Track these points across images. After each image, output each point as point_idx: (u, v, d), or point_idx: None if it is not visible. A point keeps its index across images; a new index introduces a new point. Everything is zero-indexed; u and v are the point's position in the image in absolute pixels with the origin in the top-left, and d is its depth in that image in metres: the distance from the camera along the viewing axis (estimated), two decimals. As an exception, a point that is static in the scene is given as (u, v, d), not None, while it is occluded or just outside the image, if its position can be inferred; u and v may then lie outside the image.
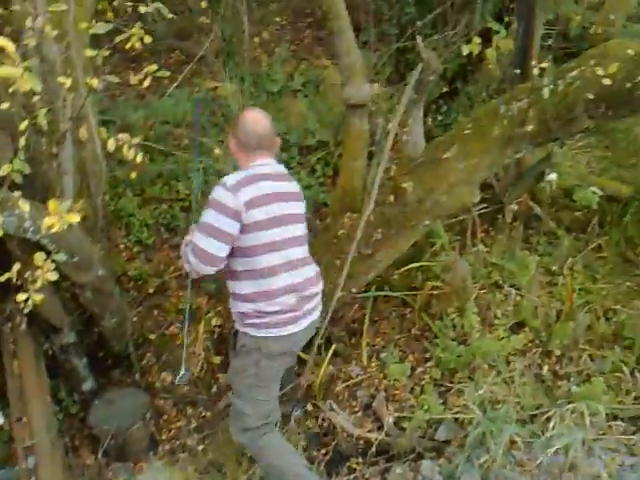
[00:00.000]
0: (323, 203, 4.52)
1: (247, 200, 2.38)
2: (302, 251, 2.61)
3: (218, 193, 2.39)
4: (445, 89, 4.79)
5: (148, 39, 2.29)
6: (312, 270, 2.65)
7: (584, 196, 3.73)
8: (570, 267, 3.70)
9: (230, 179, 2.41)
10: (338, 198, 3.65)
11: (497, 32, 3.66)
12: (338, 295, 3.08)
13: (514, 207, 3.91)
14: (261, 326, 2.50)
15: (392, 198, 3.16)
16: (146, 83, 2.30)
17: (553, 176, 3.67)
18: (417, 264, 3.73)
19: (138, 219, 4.22)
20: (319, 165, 4.79)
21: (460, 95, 4.74)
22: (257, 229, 2.42)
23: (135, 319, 3.56)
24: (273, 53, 5.78)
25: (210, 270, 2.41)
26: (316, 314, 2.67)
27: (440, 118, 4.77)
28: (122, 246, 4.13)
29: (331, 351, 3.37)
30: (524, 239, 4.00)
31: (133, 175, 2.90)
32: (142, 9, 2.35)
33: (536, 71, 2.64)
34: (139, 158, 2.29)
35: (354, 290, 3.37)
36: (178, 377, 2.78)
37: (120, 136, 2.23)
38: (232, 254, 2.45)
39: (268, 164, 2.57)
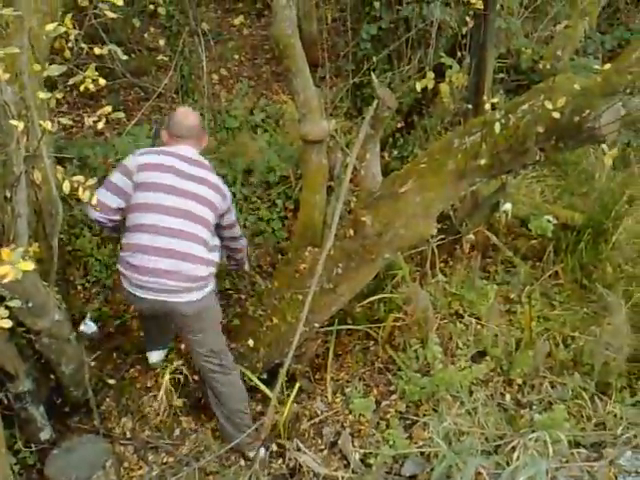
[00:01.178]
0: (285, 237, 4.54)
1: (142, 164, 2.82)
2: (190, 227, 2.81)
3: (127, 158, 2.88)
4: (401, 123, 4.87)
5: (102, 81, 2.28)
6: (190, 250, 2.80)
7: (539, 225, 3.82)
8: (528, 295, 3.76)
9: (141, 150, 2.91)
10: (299, 232, 3.67)
11: (450, 67, 3.77)
12: (301, 330, 3.07)
13: (471, 237, 3.97)
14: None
15: (352, 232, 3.18)
16: (100, 125, 2.29)
17: (508, 206, 3.75)
18: (379, 296, 3.76)
19: (97, 259, 4.15)
20: (280, 199, 4.81)
21: (416, 128, 4.83)
22: (138, 190, 2.80)
23: (93, 363, 3.47)
24: (232, 89, 5.82)
25: (99, 217, 2.81)
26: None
27: (397, 151, 4.85)
28: (80, 287, 4.05)
29: (295, 389, 3.35)
30: (482, 268, 4.06)
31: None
32: (97, 51, 2.34)
33: (488, 105, 2.70)
34: (94, 200, 2.26)
35: (317, 325, 3.36)
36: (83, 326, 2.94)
37: (75, 178, 2.21)
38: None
39: (185, 150, 2.93)
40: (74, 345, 3.09)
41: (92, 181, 2.34)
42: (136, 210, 2.81)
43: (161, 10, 4.61)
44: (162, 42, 4.73)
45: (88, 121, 2.24)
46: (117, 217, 2.87)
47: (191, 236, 2.80)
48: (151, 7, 4.73)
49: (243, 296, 4.11)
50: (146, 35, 6.00)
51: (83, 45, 2.41)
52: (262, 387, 3.32)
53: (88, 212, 2.83)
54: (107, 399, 3.43)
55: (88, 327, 3.02)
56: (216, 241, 3.02)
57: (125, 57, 2.47)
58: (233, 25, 6.50)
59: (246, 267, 3.62)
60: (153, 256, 2.74)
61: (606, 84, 2.64)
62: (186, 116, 2.99)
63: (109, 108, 2.32)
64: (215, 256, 2.96)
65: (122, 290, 2.94)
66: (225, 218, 3.06)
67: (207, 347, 2.98)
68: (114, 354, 3.70)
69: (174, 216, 2.78)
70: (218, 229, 3.06)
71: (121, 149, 4.60)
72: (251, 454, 3.15)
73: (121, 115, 2.41)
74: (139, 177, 2.80)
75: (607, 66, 2.69)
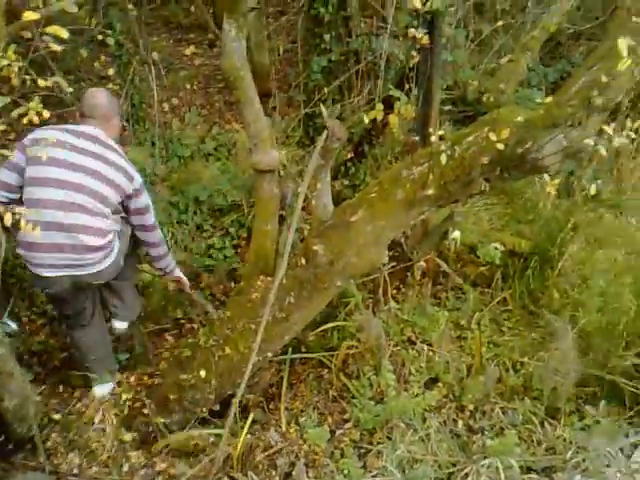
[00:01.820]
0: (237, 265, 4.51)
1: (36, 138, 2.81)
2: (80, 199, 2.81)
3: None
4: (352, 152, 4.94)
5: (46, 114, 2.24)
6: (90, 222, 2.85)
7: (487, 252, 3.90)
8: (478, 321, 3.83)
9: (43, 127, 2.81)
10: (251, 261, 3.66)
11: (399, 99, 3.85)
12: (253, 360, 3.04)
13: (422, 264, 4.03)
14: None
15: (304, 261, 3.19)
16: (44, 157, 2.25)
17: (457, 234, 3.83)
18: (332, 324, 3.77)
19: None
20: (233, 227, 4.80)
21: (367, 158, 4.91)
22: (31, 165, 2.80)
23: (39, 398, 3.35)
24: (184, 118, 5.81)
25: None
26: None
27: (349, 180, 4.91)
28: (25, 319, 3.93)
29: (249, 419, 3.30)
30: (433, 295, 4.12)
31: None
32: (41, 83, 2.31)
33: (435, 137, 2.77)
34: (37, 231, 2.21)
35: (270, 354, 3.34)
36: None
37: (18, 209, 2.16)
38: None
39: (87, 128, 2.92)
40: (18, 379, 2.99)
41: (32, 211, 2.29)
42: (27, 185, 2.82)
43: (110, 40, 4.59)
44: (112, 71, 4.69)
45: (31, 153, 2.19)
46: (15, 194, 2.88)
47: (80, 208, 2.81)
48: (100, 37, 4.69)
49: (195, 325, 4.06)
50: (96, 64, 5.94)
51: (26, 76, 2.37)
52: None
53: None
54: (53, 435, 3.30)
55: (6, 327, 2.94)
56: (114, 215, 3.00)
57: (70, 89, 2.44)
58: (185, 55, 6.50)
59: (176, 273, 3.49)
60: (44, 231, 2.63)
61: (548, 116, 2.74)
62: (92, 95, 2.99)
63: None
64: (112, 225, 2.97)
65: (33, 281, 2.99)
66: (133, 201, 3.02)
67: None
68: (60, 387, 3.58)
69: (61, 188, 2.79)
70: (127, 214, 3.08)
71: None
72: None
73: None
74: (31, 151, 2.80)
75: (549, 99, 2.80)
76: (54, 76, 4.53)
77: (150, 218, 3.16)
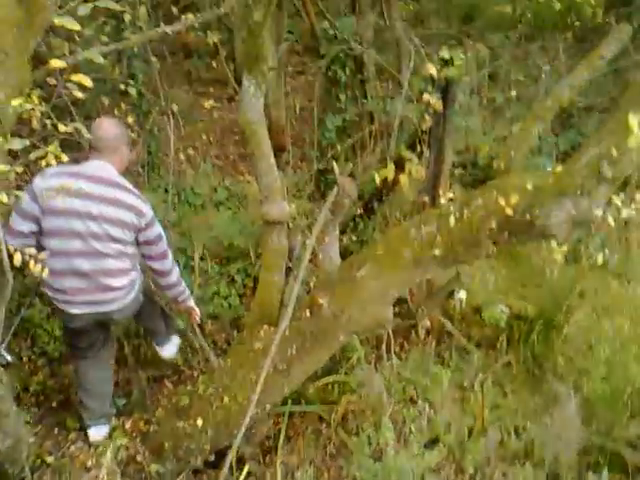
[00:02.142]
0: (241, 314, 4.51)
1: (48, 187, 2.79)
2: (88, 246, 2.88)
3: (35, 178, 2.85)
4: (361, 209, 5.01)
5: (64, 158, 2.31)
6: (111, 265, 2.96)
7: (492, 314, 3.90)
8: (481, 383, 3.78)
9: (50, 169, 2.75)
10: (255, 311, 3.66)
11: (410, 160, 3.93)
12: (252, 412, 3.02)
13: (427, 322, 4.02)
14: None
15: (308, 313, 3.20)
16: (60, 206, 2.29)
17: (462, 294, 3.83)
18: (333, 378, 3.74)
19: (45, 330, 4.05)
20: (239, 275, 4.82)
21: (376, 214, 4.96)
22: (48, 215, 2.82)
23: (33, 439, 3.31)
24: (198, 167, 5.93)
25: (10, 241, 2.68)
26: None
27: (357, 235, 4.95)
28: (25, 358, 3.93)
29: (244, 472, 3.25)
30: (437, 354, 4.09)
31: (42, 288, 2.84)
32: (62, 128, 2.39)
33: (444, 199, 2.81)
34: (45, 273, 2.24)
35: (268, 406, 3.30)
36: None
37: (27, 250, 2.20)
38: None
39: (97, 168, 2.92)
40: (13, 420, 2.96)
41: (44, 255, 2.33)
42: (48, 235, 2.87)
43: (131, 90, 4.73)
44: (131, 119, 4.82)
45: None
46: (31, 241, 2.86)
47: (100, 254, 2.90)
48: (122, 86, 4.85)
49: (195, 373, 4.04)
50: (116, 111, 6.11)
51: (47, 121, 2.45)
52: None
53: (7, 239, 2.66)
54: (45, 478, 3.25)
55: (2, 358, 2.93)
56: (132, 250, 3.04)
57: (89, 135, 2.51)
58: (204, 107, 6.68)
59: (189, 303, 3.48)
60: (70, 277, 2.89)
61: (557, 185, 2.78)
62: (99, 127, 2.95)
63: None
64: (132, 262, 3.06)
65: (55, 313, 3.19)
66: (142, 234, 3.01)
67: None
68: (55, 429, 3.54)
69: (79, 238, 2.86)
70: (138, 245, 3.06)
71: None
72: None
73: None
74: (46, 202, 2.81)
75: (559, 168, 2.85)
76: (74, 121, 4.69)
77: (161, 247, 3.13)
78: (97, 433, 3.40)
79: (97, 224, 2.86)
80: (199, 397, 3.35)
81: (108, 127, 2.98)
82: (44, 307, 4.16)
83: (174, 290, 3.33)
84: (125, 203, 2.92)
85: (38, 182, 2.82)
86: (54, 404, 3.70)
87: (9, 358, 2.96)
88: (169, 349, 3.76)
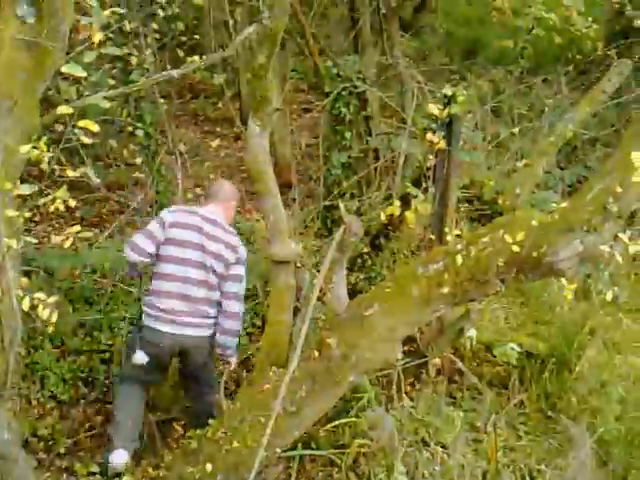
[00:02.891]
0: (251, 354, 4.47)
1: (173, 222, 3.40)
2: (197, 274, 3.40)
3: (163, 212, 3.52)
4: (369, 245, 5.00)
5: (72, 203, 2.33)
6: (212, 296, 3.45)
7: (503, 352, 3.85)
8: (494, 424, 3.71)
9: (174, 207, 3.60)
10: (264, 352, 3.63)
11: (416, 196, 3.94)
12: (261, 455, 2.97)
13: (437, 361, 3.98)
14: None
15: (317, 353, 3.17)
16: (67, 243, 2.31)
17: (473, 332, 3.79)
18: (344, 420, 3.68)
19: (54, 372, 4.04)
20: (248, 315, 4.79)
21: (384, 251, 4.96)
22: (168, 244, 3.38)
23: (40, 485, 3.28)
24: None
25: (131, 254, 3.37)
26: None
27: (365, 272, 4.94)
28: (34, 402, 3.90)
29: (254, 517, 3.18)
30: (449, 394, 4.02)
31: (51, 329, 2.84)
32: (70, 172, 2.41)
33: (450, 237, 2.81)
34: (54, 317, 2.24)
35: (279, 449, 3.25)
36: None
37: (37, 295, 2.20)
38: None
39: (211, 211, 3.54)
40: (21, 466, 2.93)
41: (53, 299, 2.33)
42: (163, 261, 3.40)
43: (139, 132, 4.79)
44: (139, 160, 4.87)
45: (55, 239, 2.26)
46: (148, 260, 3.42)
47: (203, 283, 3.41)
48: (129, 129, 4.91)
49: (205, 416, 3.99)
50: (125, 151, 6.19)
51: (55, 167, 2.48)
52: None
53: (127, 254, 3.40)
54: (53, 525, 3.22)
55: (141, 357, 3.37)
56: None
57: (98, 180, 2.54)
58: (211, 147, 6.75)
59: (234, 358, 3.70)
60: (172, 299, 3.37)
61: (563, 221, 2.78)
62: (219, 184, 3.75)
63: (77, 227, 2.36)
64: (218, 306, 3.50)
65: (144, 330, 3.42)
66: (232, 268, 3.49)
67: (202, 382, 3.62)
68: (64, 475, 3.50)
69: (191, 267, 3.38)
70: (223, 280, 3.49)
71: (89, 262, 4.61)
72: None
73: (89, 235, 2.46)
74: (169, 233, 3.39)
75: (564, 204, 2.84)
76: (84, 163, 4.75)
77: (240, 289, 3.56)
78: (120, 457, 3.36)
79: (205, 256, 3.39)
80: (208, 441, 3.30)
81: (227, 187, 3.70)
82: (53, 350, 4.16)
83: (230, 339, 3.56)
84: (227, 242, 3.48)
85: (166, 214, 3.45)
86: (62, 450, 3.66)
87: (147, 358, 3.36)
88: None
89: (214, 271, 3.42)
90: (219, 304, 3.52)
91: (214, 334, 3.52)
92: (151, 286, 3.47)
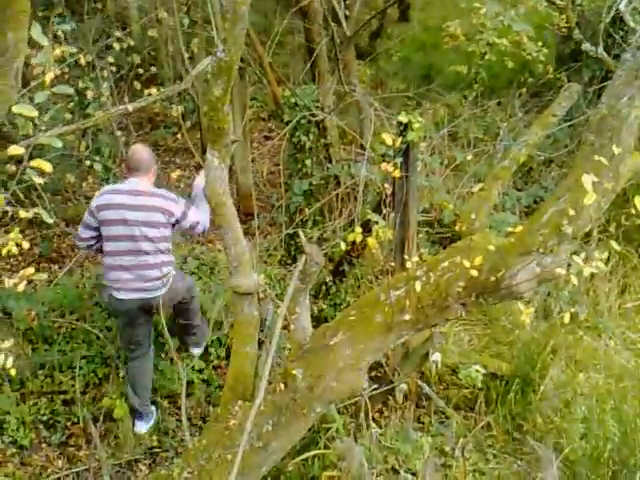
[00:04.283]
0: (217, 387, 4.41)
1: (99, 204, 3.73)
2: (131, 246, 3.72)
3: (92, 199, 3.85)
4: (333, 272, 5.00)
5: (26, 245, 2.28)
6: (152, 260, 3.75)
7: (468, 374, 3.87)
8: (462, 448, 3.72)
9: (102, 189, 3.92)
10: (229, 386, 3.57)
11: (376, 222, 3.96)
12: (229, 494, 2.91)
13: (404, 387, 3.97)
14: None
15: (282, 386, 3.14)
16: (21, 287, 2.26)
17: (437, 356, 3.80)
18: (313, 452, 3.64)
19: (15, 417, 3.93)
20: (212, 347, 4.73)
21: (348, 277, 4.96)
22: (103, 225, 3.74)
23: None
24: (168, 237, 5.88)
25: (78, 243, 4.00)
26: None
27: (330, 299, 4.93)
28: (-6, 448, 3.79)
29: None
30: (416, 418, 4.03)
31: (12, 372, 2.76)
32: (22, 214, 2.37)
33: (409, 264, 2.82)
34: (9, 362, 2.18)
35: (246, 486, 3.19)
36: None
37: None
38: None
39: (135, 183, 3.78)
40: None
41: (8, 343, 2.27)
42: (104, 240, 3.78)
43: (97, 165, 4.74)
44: (98, 193, 4.81)
45: (8, 282, 2.21)
46: (95, 243, 3.85)
47: (138, 252, 3.71)
48: (87, 162, 4.85)
49: (170, 454, 3.91)
50: (84, 185, 6.11)
51: (8, 208, 2.43)
52: None
53: (77, 244, 4.09)
54: None
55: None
56: (168, 246, 3.84)
57: (51, 220, 2.50)
58: (171, 178, 6.70)
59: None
60: (119, 271, 3.73)
61: (520, 244, 2.83)
62: (136, 151, 3.86)
63: (31, 270, 2.31)
64: (168, 257, 3.83)
65: (105, 299, 3.92)
66: (180, 225, 3.83)
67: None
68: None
69: (122, 241, 3.71)
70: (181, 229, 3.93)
71: (47, 301, 4.51)
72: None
73: (43, 277, 2.40)
74: (99, 216, 3.72)
75: (519, 228, 2.89)
76: (41, 198, 4.66)
77: (197, 230, 3.94)
78: (142, 426, 4.02)
79: (139, 228, 3.68)
80: (174, 481, 3.23)
81: (143, 151, 3.87)
82: (12, 393, 4.04)
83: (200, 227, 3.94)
84: (159, 208, 3.72)
85: (93, 202, 3.77)
86: (24, 498, 3.55)
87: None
88: (197, 351, 4.44)
89: (147, 238, 3.70)
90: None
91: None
92: (102, 262, 3.91)
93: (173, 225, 3.82)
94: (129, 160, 3.84)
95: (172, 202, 3.80)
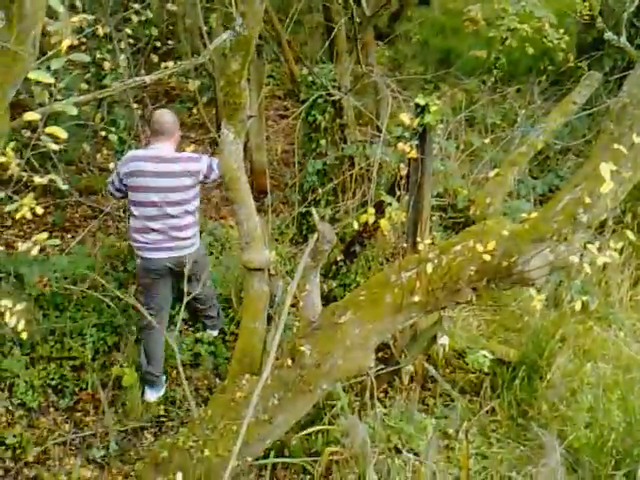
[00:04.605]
0: (224, 360, 4.44)
1: (128, 172, 3.86)
2: (156, 211, 3.87)
3: (121, 159, 4.05)
4: (344, 252, 5.00)
5: (39, 210, 2.29)
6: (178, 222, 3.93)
7: (475, 359, 3.88)
8: (466, 430, 3.73)
9: (128, 154, 4.05)
10: (237, 359, 3.61)
11: (390, 204, 3.95)
12: (233, 464, 2.94)
13: (410, 368, 3.99)
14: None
15: (290, 361, 3.16)
16: (34, 252, 2.27)
17: (445, 340, 3.81)
18: (317, 428, 3.67)
19: (24, 380, 3.98)
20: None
21: (359, 258, 4.96)
22: (131, 191, 3.89)
23: (7, 495, 3.22)
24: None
25: (114, 197, 4.33)
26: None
27: (340, 279, 4.94)
28: (2, 409, 3.83)
29: (224, 528, 3.15)
30: (421, 400, 4.04)
31: (24, 335, 2.79)
32: (37, 180, 2.37)
33: (422, 246, 2.82)
34: (21, 325, 2.20)
35: (250, 458, 3.23)
36: None
37: (3, 302, 2.16)
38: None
39: (159, 149, 3.89)
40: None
41: (20, 307, 2.29)
42: (131, 204, 3.93)
43: (112, 137, 4.74)
44: (112, 165, 4.82)
45: (22, 247, 2.23)
46: (122, 195, 4.07)
47: (169, 216, 3.87)
48: (102, 133, 4.85)
49: (176, 424, 3.96)
50: (98, 156, 6.12)
51: (23, 173, 2.43)
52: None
53: (111, 196, 4.31)
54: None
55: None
56: (196, 205, 4.03)
57: (66, 186, 2.50)
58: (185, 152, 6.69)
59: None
60: (149, 233, 3.89)
61: (534, 231, 2.82)
62: (161, 115, 3.97)
63: (44, 235, 2.32)
64: (195, 218, 4.05)
65: (136, 261, 4.08)
66: (211, 177, 4.05)
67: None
68: (30, 486, 3.45)
69: (153, 206, 3.84)
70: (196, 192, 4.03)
71: (60, 267, 4.54)
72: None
73: (56, 242, 2.41)
74: (128, 181, 3.87)
75: (534, 214, 2.88)
76: (56, 167, 4.68)
77: (215, 176, 4.06)
78: (153, 394, 4.12)
79: (164, 194, 3.83)
80: (179, 449, 3.26)
81: (167, 115, 3.96)
82: (22, 357, 4.09)
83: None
84: (184, 172, 3.87)
85: (121, 167, 3.91)
86: (31, 458, 3.60)
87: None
88: (214, 333, 4.59)
89: (174, 202, 3.86)
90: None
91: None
92: (130, 224, 4.03)
93: (202, 183, 4.03)
94: (153, 123, 3.93)
95: (196, 162, 3.96)
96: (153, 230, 3.89)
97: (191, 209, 3.98)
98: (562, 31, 5.96)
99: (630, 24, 5.80)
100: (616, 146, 2.66)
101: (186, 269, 3.57)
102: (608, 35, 5.79)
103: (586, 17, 6.33)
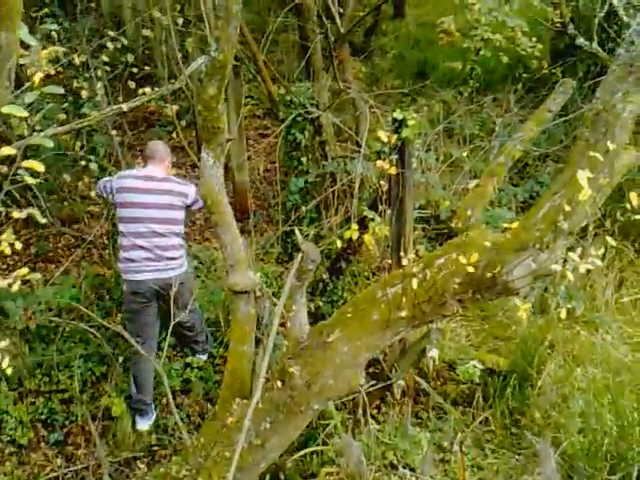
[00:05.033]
0: (214, 384, 4.41)
1: (119, 187, 4.05)
2: (146, 228, 4.00)
3: (113, 178, 4.18)
4: (330, 269, 5.00)
5: (18, 246, 2.27)
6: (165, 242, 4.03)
7: (466, 370, 3.88)
8: (460, 443, 3.72)
9: (122, 172, 4.29)
10: (227, 384, 3.58)
11: (372, 219, 3.95)
12: (227, 491, 2.91)
13: (402, 383, 3.98)
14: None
15: (280, 383, 3.14)
16: (15, 287, 2.25)
17: (434, 352, 3.80)
18: (311, 449, 3.65)
19: (12, 416, 3.93)
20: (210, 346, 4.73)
21: (345, 274, 4.96)
22: (120, 207, 4.04)
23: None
24: (164, 236, 5.88)
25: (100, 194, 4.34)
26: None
27: (327, 296, 4.93)
28: (-8, 448, 3.79)
29: None
30: (414, 414, 4.03)
31: (9, 371, 2.75)
32: (15, 215, 2.36)
33: (405, 261, 2.82)
34: (5, 362, 2.17)
35: (245, 484, 3.20)
36: None
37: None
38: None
39: (150, 170, 4.11)
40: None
41: (4, 343, 2.26)
42: (120, 221, 4.04)
43: (92, 165, 4.74)
44: (94, 193, 4.81)
45: (3, 283, 2.20)
46: (107, 195, 4.20)
47: (156, 234, 3.99)
48: (82, 162, 4.84)
49: (169, 452, 3.92)
50: (80, 184, 6.10)
51: (1, 209, 2.42)
52: None
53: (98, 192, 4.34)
54: None
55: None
56: (181, 228, 4.17)
57: (44, 220, 2.49)
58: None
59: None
60: (136, 250, 3.97)
61: (516, 240, 2.83)
62: (154, 144, 4.25)
63: (25, 270, 2.30)
64: (181, 240, 4.15)
65: (123, 286, 4.10)
66: (193, 206, 4.22)
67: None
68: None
69: (142, 222, 3.97)
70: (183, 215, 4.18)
71: (44, 300, 4.51)
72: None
73: (37, 276, 2.39)
74: (118, 197, 4.05)
75: (515, 224, 2.89)
76: (37, 198, 4.65)
77: (198, 206, 4.21)
78: (144, 424, 4.11)
79: (153, 211, 3.99)
80: (173, 479, 3.23)
81: (160, 147, 4.21)
82: (10, 392, 4.04)
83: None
84: (174, 191, 4.08)
85: (114, 181, 4.08)
86: (22, 497, 3.56)
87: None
88: (203, 357, 4.62)
89: (161, 220, 4.00)
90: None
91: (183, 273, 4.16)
92: (118, 242, 4.11)
93: (187, 208, 4.16)
94: (146, 151, 4.19)
95: (184, 185, 4.17)
96: (140, 247, 3.98)
97: (177, 230, 4.10)
98: (535, 39, 6.04)
99: (601, 29, 5.88)
100: (592, 153, 2.68)
101: (172, 291, 3.58)
102: (580, 41, 5.89)
103: (558, 24, 6.42)
